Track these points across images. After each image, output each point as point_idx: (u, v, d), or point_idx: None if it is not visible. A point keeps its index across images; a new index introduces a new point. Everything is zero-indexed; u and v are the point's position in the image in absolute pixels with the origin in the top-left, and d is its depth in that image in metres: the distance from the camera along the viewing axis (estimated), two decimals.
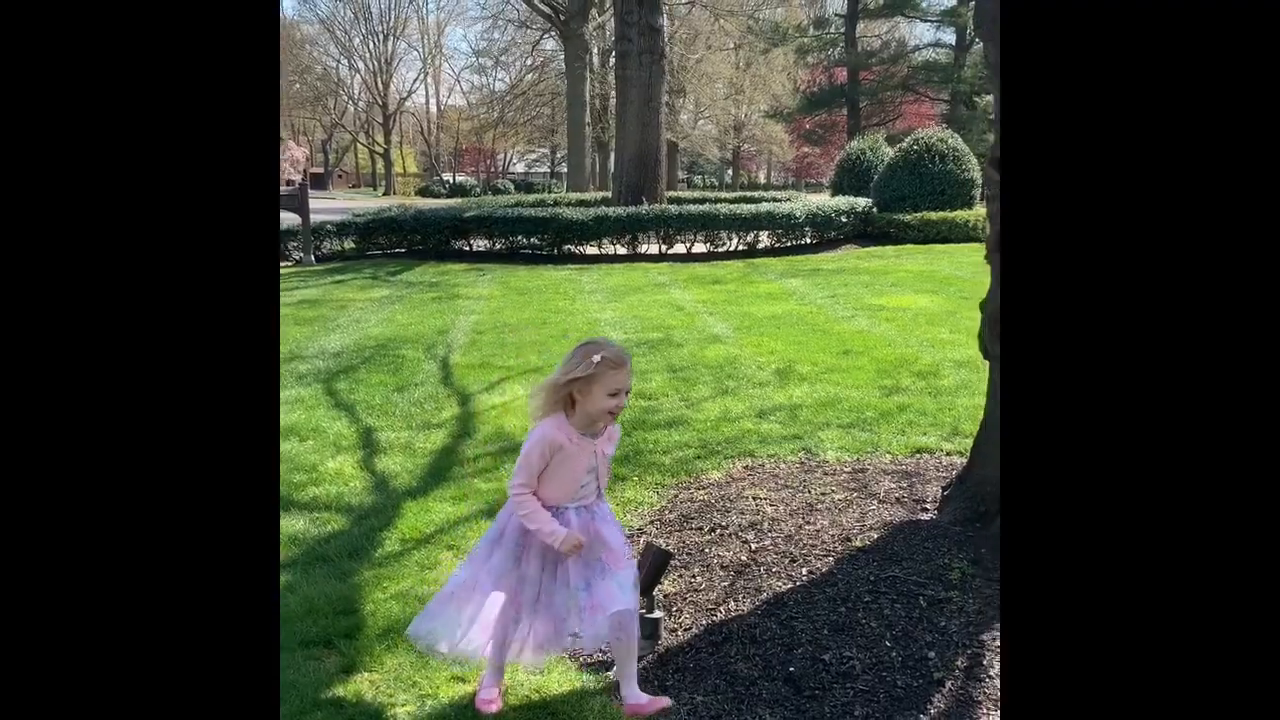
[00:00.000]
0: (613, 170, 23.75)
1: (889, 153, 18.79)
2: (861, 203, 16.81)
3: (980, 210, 16.16)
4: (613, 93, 26.86)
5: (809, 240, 16.00)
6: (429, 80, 63.24)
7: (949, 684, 2.63)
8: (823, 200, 17.67)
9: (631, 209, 15.62)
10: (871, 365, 6.89)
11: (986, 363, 3.62)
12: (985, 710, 2.54)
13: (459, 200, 25.62)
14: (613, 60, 27.41)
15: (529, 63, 47.39)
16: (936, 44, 42.21)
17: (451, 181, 46.99)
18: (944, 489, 3.75)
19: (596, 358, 2.52)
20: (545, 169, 64.44)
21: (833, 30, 42.03)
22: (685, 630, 3.03)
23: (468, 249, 15.80)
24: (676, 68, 37.43)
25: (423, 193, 44.37)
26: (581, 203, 19.69)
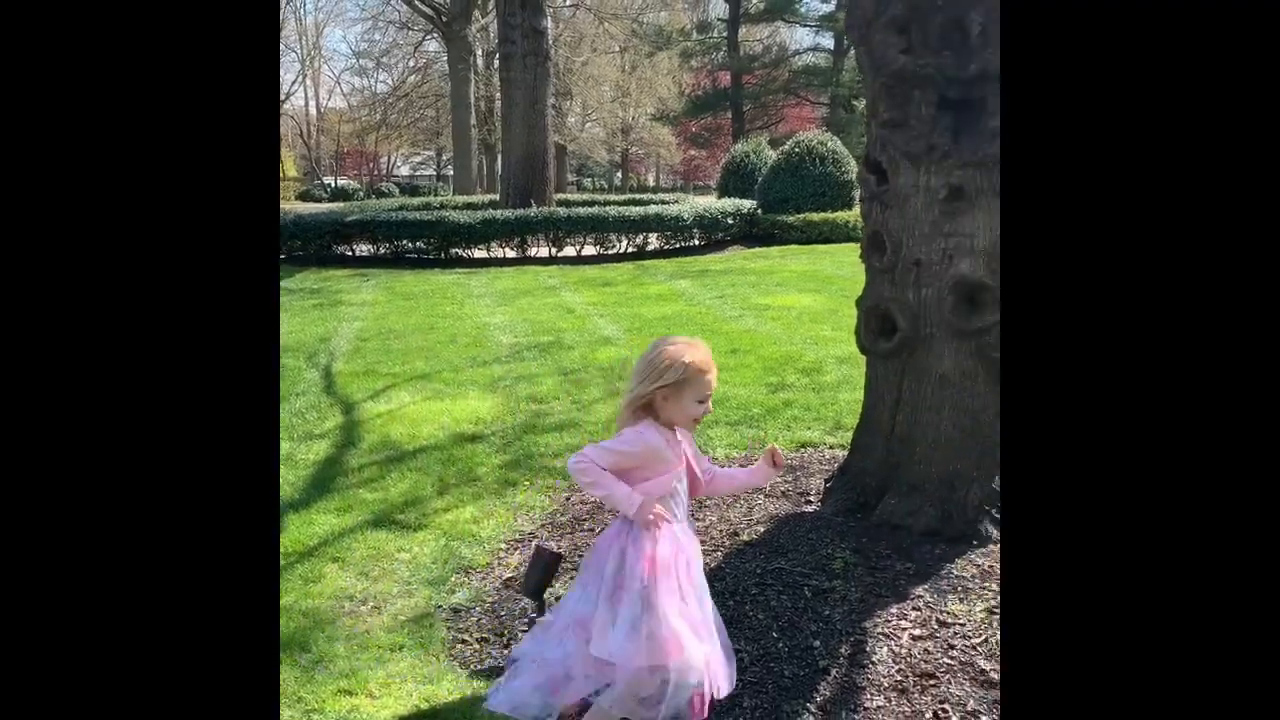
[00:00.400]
0: (500, 173, 23.57)
1: (772, 156, 19.19)
2: (747, 205, 17.11)
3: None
4: (498, 95, 26.66)
5: (697, 242, 16.20)
6: (308, 82, 61.43)
7: (834, 671, 2.71)
8: (710, 202, 17.91)
9: (520, 211, 15.54)
10: (758, 363, 7.02)
11: (864, 358, 3.74)
12: (869, 695, 2.61)
13: (341, 204, 25.00)
14: (497, 62, 27.20)
15: (411, 64, 46.60)
16: (816, 49, 43.32)
17: (333, 185, 45.84)
18: (826, 481, 3.85)
19: (686, 359, 2.34)
20: (431, 172, 63.39)
21: (715, 34, 42.69)
22: None
23: (351, 254, 15.42)
24: (562, 70, 37.40)
25: (303, 197, 43.14)
26: (469, 205, 19.46)
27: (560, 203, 19.28)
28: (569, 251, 15.32)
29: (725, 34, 41.96)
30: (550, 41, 20.05)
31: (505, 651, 2.98)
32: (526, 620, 3.06)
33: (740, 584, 3.13)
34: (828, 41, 41.65)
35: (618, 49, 42.57)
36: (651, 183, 62.12)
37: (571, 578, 3.37)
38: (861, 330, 3.61)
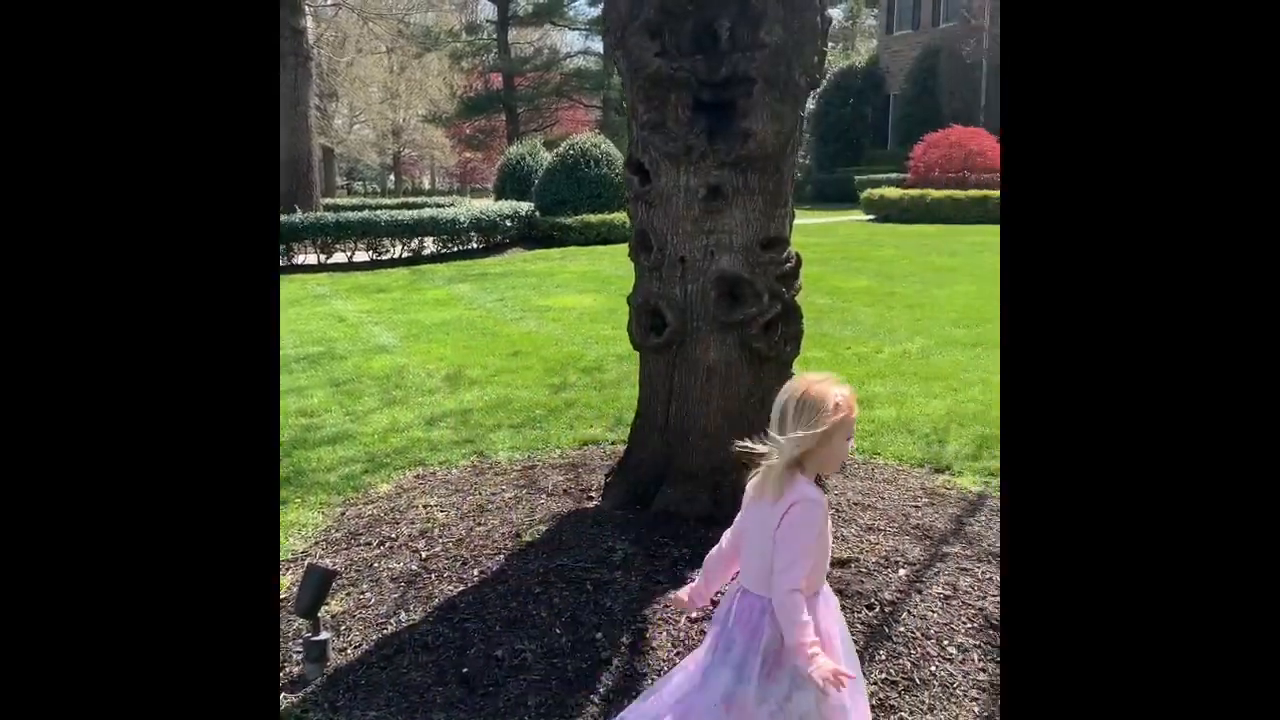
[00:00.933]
0: None
1: (547, 158, 19.27)
2: (524, 207, 17.10)
3: None
4: None
5: (475, 245, 16.04)
6: None
7: (616, 661, 2.76)
8: (487, 205, 17.77)
9: (284, 218, 14.82)
10: (540, 365, 7.04)
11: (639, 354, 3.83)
12: (650, 680, 2.68)
13: None
14: None
15: None
16: (586, 52, 43.89)
17: None
18: (606, 477, 3.92)
19: (845, 393, 2.09)
20: None
21: (485, 36, 42.38)
22: (355, 647, 2.94)
23: None
24: (326, 71, 35.97)
25: None
26: None
27: (329, 207, 18.54)
28: (339, 258, 14.77)
29: (495, 36, 41.73)
30: (310, 41, 19.23)
31: (280, 674, 2.84)
32: (301, 641, 2.93)
33: (523, 584, 3.13)
34: (598, 45, 42.30)
35: (384, 49, 41.38)
36: (427, 185, 60.89)
37: (348, 594, 3.26)
38: (633, 327, 3.69)
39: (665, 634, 2.85)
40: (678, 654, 2.77)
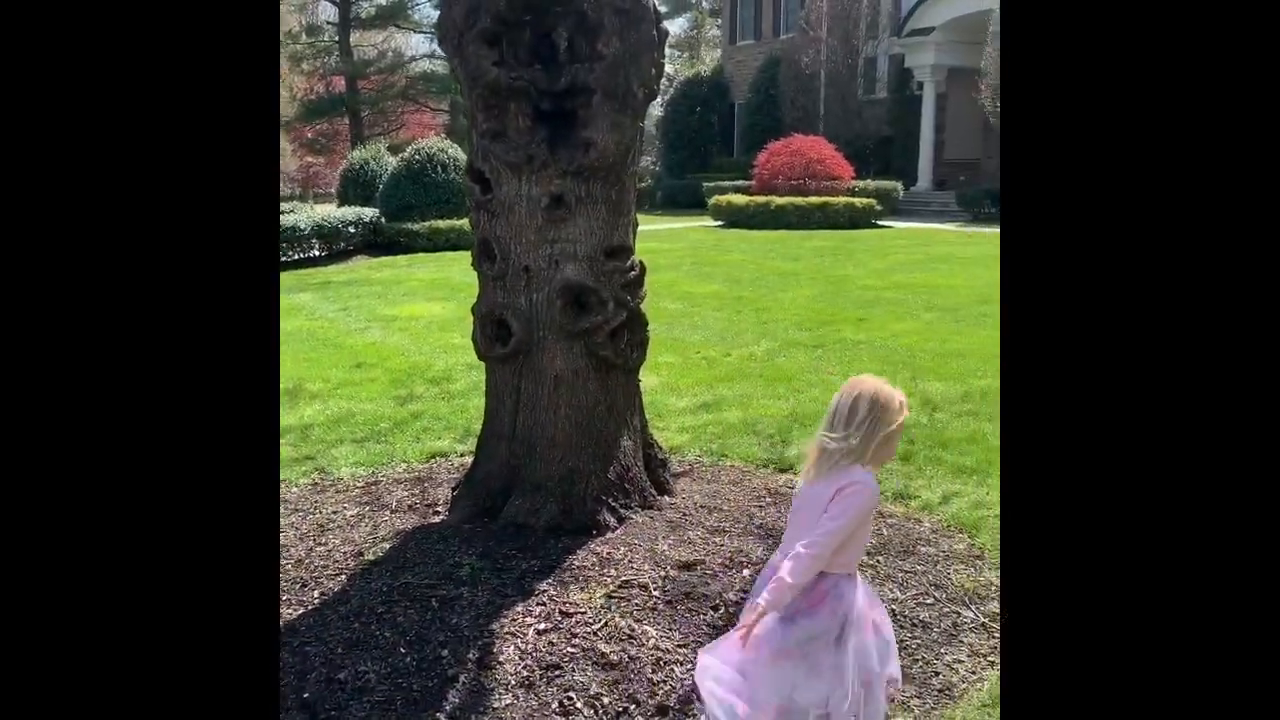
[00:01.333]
0: None
1: (393, 162, 18.84)
2: (369, 213, 16.65)
3: None
4: None
5: (318, 253, 15.51)
6: None
7: (463, 678, 2.72)
8: (330, 211, 17.21)
9: None
10: (385, 376, 6.87)
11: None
12: (498, 695, 2.65)
13: None
14: None
15: None
16: (433, 55, 43.10)
17: None
18: (453, 490, 3.86)
19: (902, 399, 2.26)
20: None
21: (326, 38, 41.08)
22: None
23: None
24: None
25: None
26: None
27: None
28: None
29: (336, 38, 40.51)
30: None
31: None
32: None
33: (366, 604, 3.05)
34: None
35: None
36: None
37: None
38: (478, 336, 3.65)
39: (513, 647, 2.82)
40: (525, 665, 2.75)
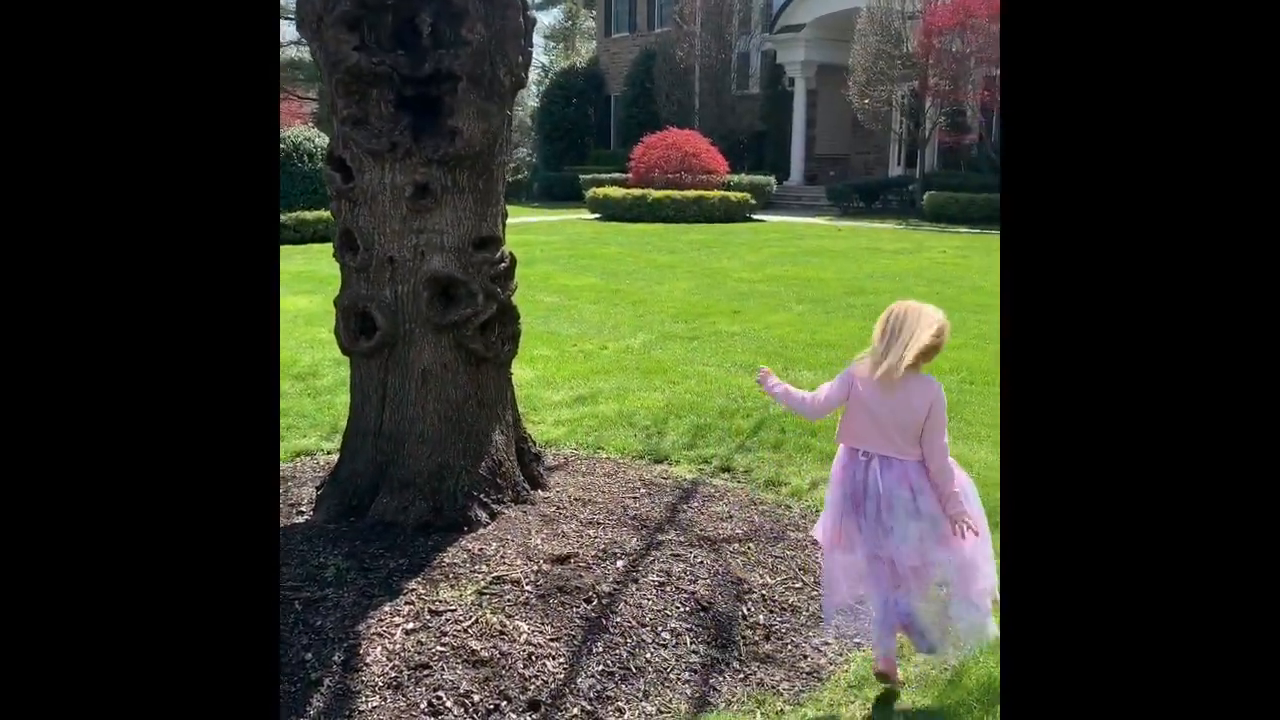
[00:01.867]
0: None
1: None
2: None
3: None
4: None
5: None
6: None
7: (327, 681, 2.63)
8: None
9: None
10: None
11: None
12: (365, 698, 2.58)
13: None
14: None
15: None
16: (300, 41, 41.70)
17: None
18: (318, 489, 3.74)
19: (939, 312, 2.68)
20: None
21: None
22: None
23: None
24: None
25: None
26: None
27: None
28: None
29: None
30: None
31: None
32: None
33: None
34: None
35: None
36: None
37: None
38: (341, 330, 3.54)
39: (380, 648, 2.75)
40: (393, 666, 2.68)
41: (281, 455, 4.76)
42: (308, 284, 10.97)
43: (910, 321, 2.64)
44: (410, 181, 3.31)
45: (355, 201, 3.40)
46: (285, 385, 6.23)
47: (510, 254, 3.62)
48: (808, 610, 3.21)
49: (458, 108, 3.28)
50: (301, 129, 18.43)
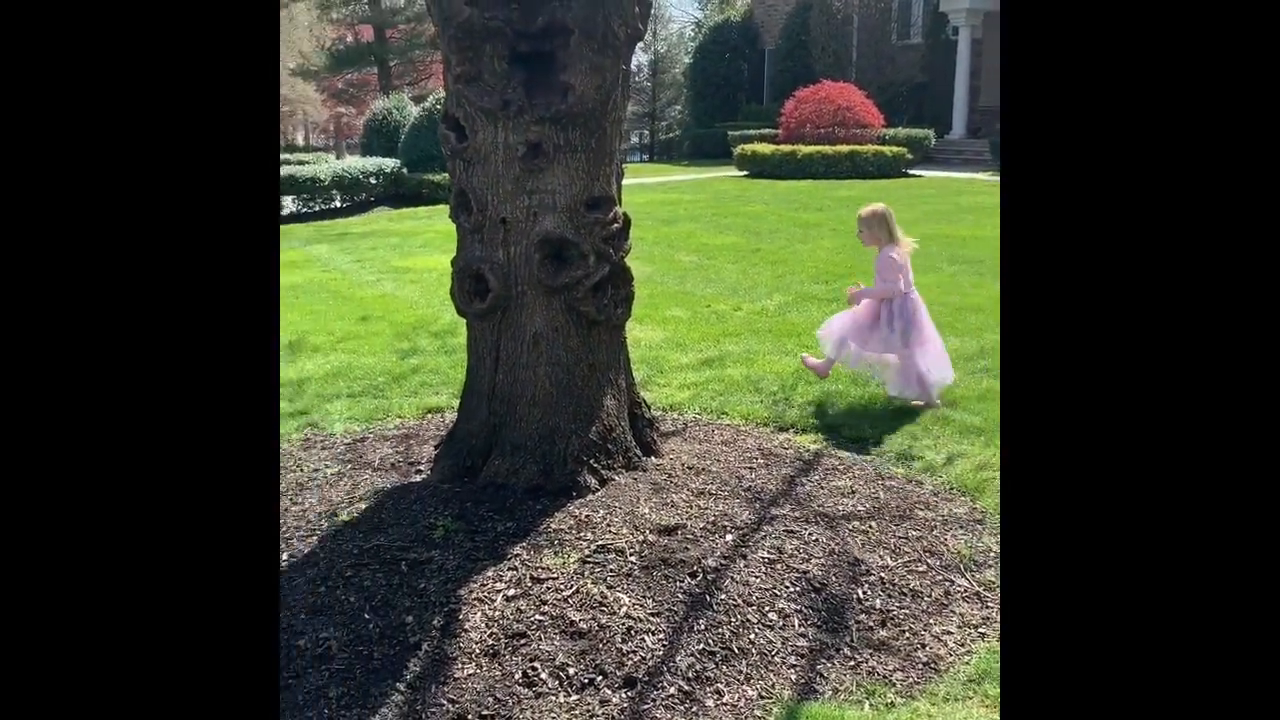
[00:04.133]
0: None
1: (415, 112, 18.65)
2: (390, 163, 16.53)
3: None
4: None
5: (339, 204, 15.45)
6: None
7: (425, 646, 2.63)
8: (350, 162, 17.11)
9: None
10: (390, 330, 6.78)
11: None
12: (460, 664, 2.57)
13: None
14: None
15: None
16: None
17: None
18: (436, 448, 3.76)
19: (880, 208, 4.93)
20: None
21: None
22: None
23: None
24: None
25: None
26: None
27: None
28: None
29: None
30: None
31: None
32: None
33: (334, 567, 2.96)
34: None
35: None
36: (301, 141, 58.49)
37: None
38: (456, 291, 3.52)
39: (480, 614, 2.73)
40: (491, 633, 2.66)
41: (413, 412, 4.85)
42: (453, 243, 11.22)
43: (869, 216, 4.92)
44: (523, 140, 3.23)
45: (469, 161, 3.36)
46: (423, 342, 6.37)
47: (625, 214, 3.51)
48: (930, 595, 3.00)
49: (570, 63, 3.17)
50: None
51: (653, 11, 3.82)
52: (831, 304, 7.31)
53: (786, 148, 19.69)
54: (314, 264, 10.02)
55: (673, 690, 2.53)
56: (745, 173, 20.33)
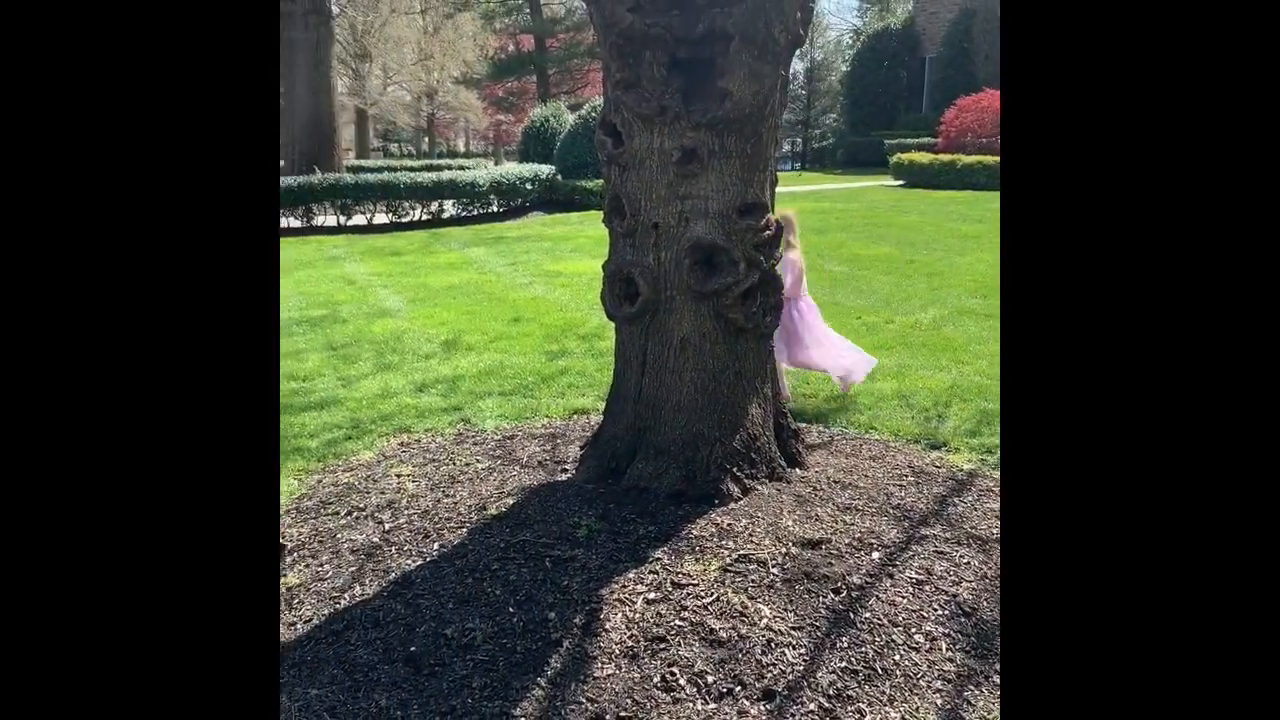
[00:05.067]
0: (283, 139, 22.37)
1: (571, 120, 19.05)
2: (545, 170, 16.94)
3: None
4: None
5: (496, 208, 15.92)
6: None
7: (566, 643, 2.66)
8: (507, 168, 17.62)
9: (303, 178, 14.77)
10: (540, 331, 6.94)
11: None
12: (600, 664, 2.59)
13: None
14: None
15: None
16: None
17: None
18: (581, 449, 3.82)
19: (782, 217, 4.16)
20: None
21: None
22: (305, 622, 2.87)
23: None
24: (359, 31, 35.81)
25: None
26: None
27: (354, 169, 18.50)
28: (359, 220, 14.72)
29: None
30: (332, 0, 19.10)
31: None
32: None
33: (481, 559, 3.05)
34: None
35: (418, 9, 41.08)
36: (462, 148, 60.70)
37: (307, 566, 3.19)
38: (606, 295, 3.57)
39: (621, 615, 2.75)
40: (631, 635, 2.67)
41: (559, 412, 4.94)
42: (606, 248, 11.39)
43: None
44: (678, 146, 3.24)
45: (624, 167, 3.39)
46: (571, 344, 6.48)
47: (776, 222, 3.47)
48: None
49: (729, 68, 3.16)
50: None
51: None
52: (989, 319, 7.03)
53: (946, 157, 19.10)
54: (471, 266, 10.36)
55: (813, 707, 2.47)
56: (901, 182, 19.84)
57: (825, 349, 4.93)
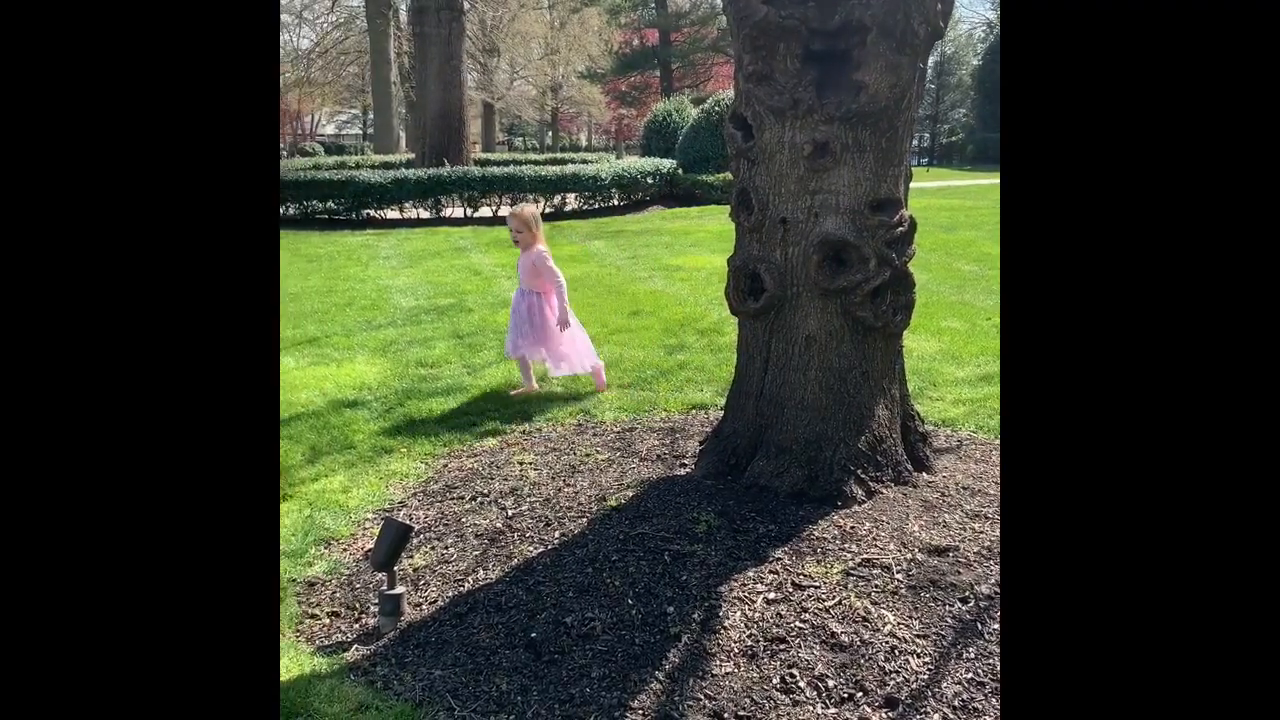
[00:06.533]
0: (415, 131, 23.03)
1: (693, 114, 19.03)
2: (666, 164, 16.97)
3: None
4: None
5: (616, 202, 16.04)
6: None
7: (685, 638, 2.66)
8: (629, 162, 17.73)
9: (433, 171, 15.19)
10: (659, 325, 6.95)
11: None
12: (719, 662, 2.57)
13: None
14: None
15: (333, 19, 45.12)
16: None
17: None
18: (701, 444, 3.80)
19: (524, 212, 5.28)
20: (357, 130, 61.77)
21: None
22: (430, 603, 2.94)
23: None
24: (489, 26, 36.59)
25: None
26: (385, 165, 18.99)
27: (481, 162, 18.92)
28: (484, 212, 15.05)
29: None
30: None
31: (356, 626, 2.88)
32: (377, 594, 2.96)
33: (601, 550, 3.07)
34: None
35: (546, 4, 41.73)
36: (584, 142, 61.43)
37: (433, 548, 3.27)
38: (731, 290, 3.54)
39: (740, 614, 2.72)
40: (750, 634, 2.64)
41: (677, 406, 4.94)
42: (725, 243, 11.27)
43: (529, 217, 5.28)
44: (809, 140, 3.19)
45: (753, 160, 3.36)
46: (689, 339, 6.47)
47: (910, 218, 3.37)
48: None
49: (865, 60, 3.09)
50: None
51: None
52: None
53: None
54: (592, 259, 10.46)
55: (936, 717, 2.40)
56: None
57: (557, 344, 5.26)
